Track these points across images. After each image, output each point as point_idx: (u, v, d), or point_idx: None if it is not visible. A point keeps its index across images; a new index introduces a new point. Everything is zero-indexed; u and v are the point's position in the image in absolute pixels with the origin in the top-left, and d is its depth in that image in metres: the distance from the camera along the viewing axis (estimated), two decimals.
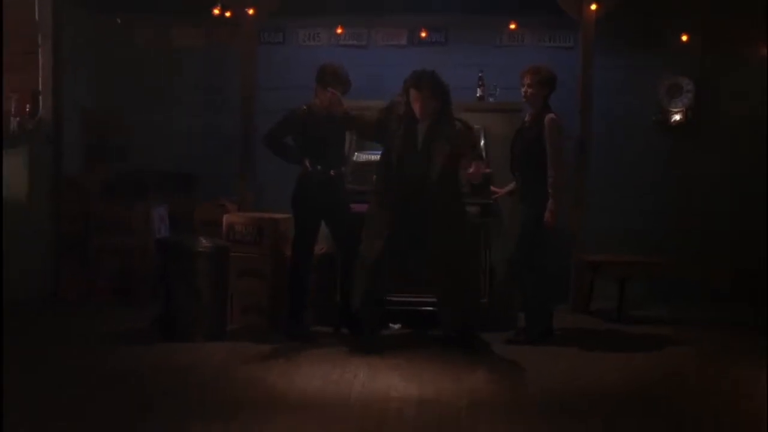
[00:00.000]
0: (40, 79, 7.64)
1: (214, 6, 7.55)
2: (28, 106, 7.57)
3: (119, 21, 8.23)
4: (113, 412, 4.50)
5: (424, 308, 6.36)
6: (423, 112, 5.93)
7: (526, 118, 6.36)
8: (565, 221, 6.91)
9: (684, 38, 7.92)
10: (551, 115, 6.14)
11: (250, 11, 7.59)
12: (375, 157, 6.51)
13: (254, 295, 6.58)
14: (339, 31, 8.26)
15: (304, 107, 6.36)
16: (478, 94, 7.49)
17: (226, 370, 5.39)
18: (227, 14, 7.61)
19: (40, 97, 7.64)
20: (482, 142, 6.78)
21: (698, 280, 7.79)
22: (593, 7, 7.38)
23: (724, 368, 5.77)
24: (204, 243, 6.32)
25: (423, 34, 8.23)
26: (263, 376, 5.26)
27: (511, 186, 6.42)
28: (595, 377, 5.44)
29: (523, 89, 6.28)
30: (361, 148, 6.89)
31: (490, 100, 7.47)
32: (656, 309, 7.63)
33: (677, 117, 8.07)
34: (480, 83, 7.50)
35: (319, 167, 6.26)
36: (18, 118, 7.47)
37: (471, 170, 5.84)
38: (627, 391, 5.18)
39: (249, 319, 6.55)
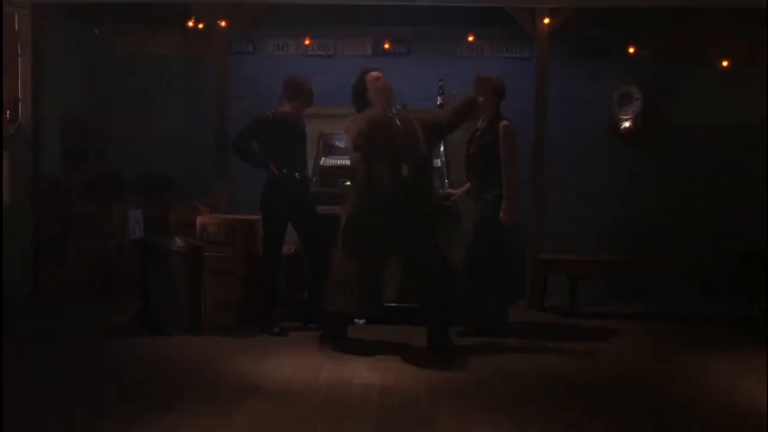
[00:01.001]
0: (20, 86, 7.97)
1: (189, 18, 7.89)
2: (8, 112, 7.89)
3: (97, 32, 8.55)
4: (98, 401, 4.84)
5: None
6: (391, 94, 6.16)
7: (480, 124, 6.78)
8: (522, 222, 7.35)
9: (631, 50, 8.36)
10: (505, 122, 6.55)
11: (223, 23, 7.96)
12: (341, 161, 6.94)
13: (227, 293, 6.84)
14: (307, 42, 8.64)
15: (270, 114, 6.71)
16: (438, 102, 7.89)
17: (202, 361, 5.76)
18: (201, 26, 7.96)
19: (20, 104, 7.96)
20: (441, 148, 7.19)
21: (662, 276, 8.24)
22: (546, 21, 7.83)
23: (658, 358, 6.25)
24: (179, 243, 6.69)
25: (386, 45, 8.63)
26: (237, 365, 5.64)
27: (466, 186, 6.82)
28: (541, 366, 5.89)
29: None
30: (327, 153, 7.30)
31: None
32: (612, 305, 8.08)
33: (627, 124, 8.53)
34: (440, 92, 7.90)
35: (284, 171, 6.63)
36: None
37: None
38: (566, 378, 5.60)
39: (222, 315, 6.82)
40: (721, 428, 4.66)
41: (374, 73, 6.23)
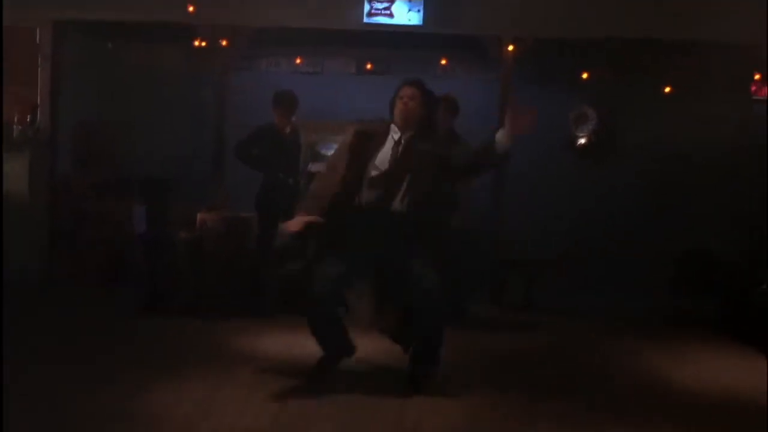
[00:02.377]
0: (39, 93, 8.88)
1: (194, 37, 8.80)
2: (29, 116, 8.81)
3: (110, 46, 9.44)
4: (110, 368, 5.76)
5: None
6: (409, 118, 5.33)
7: None
8: (484, 225, 8.29)
9: (585, 75, 9.33)
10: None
11: (224, 42, 8.85)
12: None
13: (223, 280, 7.74)
14: (298, 60, 9.53)
15: (266, 125, 7.66)
16: None
17: (202, 336, 6.71)
18: (204, 44, 8.86)
19: (39, 110, 8.86)
20: None
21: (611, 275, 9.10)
22: (510, 47, 8.74)
23: (587, 346, 7.14)
24: (182, 235, 7.65)
25: (369, 66, 9.53)
26: (234, 340, 6.57)
27: None
28: (482, 351, 6.78)
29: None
30: (314, 160, 8.26)
31: None
32: (568, 300, 8.85)
33: (582, 141, 9.53)
34: None
35: (280, 175, 7.58)
36: (20, 127, 8.69)
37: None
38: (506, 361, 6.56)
39: (218, 299, 7.65)
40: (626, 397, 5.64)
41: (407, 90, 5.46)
